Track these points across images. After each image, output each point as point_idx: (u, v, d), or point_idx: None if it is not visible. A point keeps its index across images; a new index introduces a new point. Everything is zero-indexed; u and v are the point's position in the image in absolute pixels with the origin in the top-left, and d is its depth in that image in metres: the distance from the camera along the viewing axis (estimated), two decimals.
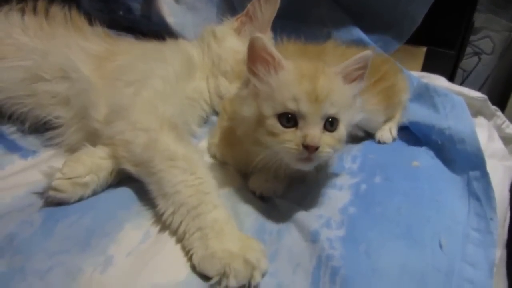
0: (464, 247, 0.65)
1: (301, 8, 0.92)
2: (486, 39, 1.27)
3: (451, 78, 1.12)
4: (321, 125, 0.61)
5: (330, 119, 0.61)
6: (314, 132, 0.59)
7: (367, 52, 0.64)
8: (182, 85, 0.85)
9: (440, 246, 0.64)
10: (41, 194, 0.66)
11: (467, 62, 1.32)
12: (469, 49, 1.30)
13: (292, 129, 0.60)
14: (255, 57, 0.62)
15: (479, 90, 1.32)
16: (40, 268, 0.54)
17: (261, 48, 0.61)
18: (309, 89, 0.59)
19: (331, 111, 0.60)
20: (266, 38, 0.64)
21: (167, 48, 0.92)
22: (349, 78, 0.65)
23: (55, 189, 0.63)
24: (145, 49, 0.92)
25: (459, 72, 1.33)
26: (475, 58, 1.31)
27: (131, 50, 0.89)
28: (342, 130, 0.63)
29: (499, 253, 0.71)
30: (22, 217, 0.61)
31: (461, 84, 1.30)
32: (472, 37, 1.27)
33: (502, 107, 1.23)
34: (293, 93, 0.59)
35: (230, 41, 0.96)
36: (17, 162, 0.77)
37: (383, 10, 1.06)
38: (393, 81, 0.86)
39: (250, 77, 0.64)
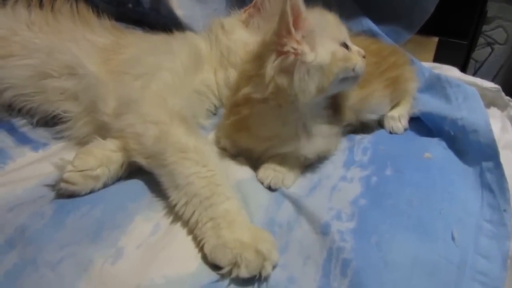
0: (477, 239, 0.65)
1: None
2: (499, 29, 1.25)
3: (463, 69, 1.10)
4: None
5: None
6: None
7: None
8: (190, 77, 0.85)
9: (453, 238, 0.63)
10: (52, 186, 0.67)
11: (480, 53, 1.30)
12: (481, 40, 1.28)
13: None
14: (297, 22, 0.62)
15: (492, 80, 1.29)
16: (52, 259, 0.54)
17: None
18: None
19: None
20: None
21: (175, 40, 0.92)
22: None
23: (66, 181, 0.63)
24: (152, 41, 0.92)
25: (472, 62, 1.31)
26: (488, 49, 1.29)
27: (138, 43, 0.90)
28: None
29: None
30: (33, 209, 0.61)
31: (474, 74, 1.28)
32: (484, 27, 1.25)
33: None
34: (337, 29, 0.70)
35: (239, 33, 0.96)
36: (28, 154, 0.77)
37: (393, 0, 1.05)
38: (400, 71, 0.86)
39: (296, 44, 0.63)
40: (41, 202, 0.63)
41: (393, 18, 1.06)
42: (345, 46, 0.69)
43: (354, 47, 0.71)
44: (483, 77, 1.04)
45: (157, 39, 0.93)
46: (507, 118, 0.93)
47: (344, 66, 0.67)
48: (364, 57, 0.71)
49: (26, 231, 0.58)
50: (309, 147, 0.73)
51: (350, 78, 0.69)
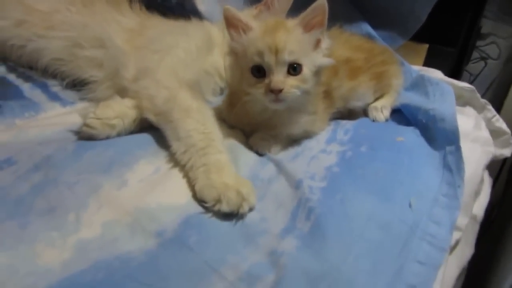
0: (432, 209, 0.73)
1: None
2: (492, 45, 1.34)
3: (456, 79, 1.19)
4: (284, 71, 0.73)
5: (293, 65, 0.73)
6: (276, 78, 0.72)
7: (320, 1, 0.73)
8: (201, 58, 0.97)
9: (410, 206, 0.72)
10: (76, 132, 0.80)
11: (474, 66, 1.40)
12: (476, 54, 1.37)
13: (262, 78, 0.73)
14: (229, 24, 0.76)
15: (485, 93, 1.39)
16: (69, 180, 0.67)
17: (231, 16, 0.75)
18: (269, 42, 0.71)
19: (290, 58, 0.72)
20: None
21: (192, 25, 1.05)
22: (308, 26, 0.75)
23: (87, 125, 0.77)
24: (172, 25, 1.06)
25: (466, 75, 1.41)
26: (482, 63, 1.38)
27: (160, 25, 1.04)
28: (306, 72, 0.74)
29: (466, 220, 0.79)
30: (58, 145, 0.74)
31: None
32: (479, 42, 1.35)
33: None
34: (257, 49, 0.72)
35: None
36: (57, 108, 0.92)
37: (390, 7, 1.16)
38: (386, 68, 0.97)
39: (230, 41, 0.77)
40: (65, 141, 0.76)
41: (390, 24, 1.17)
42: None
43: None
44: (476, 89, 1.12)
45: (177, 24, 1.07)
46: (483, 119, 1.03)
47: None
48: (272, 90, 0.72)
49: (50, 159, 0.70)
50: (292, 129, 0.83)
51: None
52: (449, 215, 0.73)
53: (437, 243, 0.68)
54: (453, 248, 0.77)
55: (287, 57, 0.72)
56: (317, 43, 0.77)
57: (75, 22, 1.02)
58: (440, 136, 0.85)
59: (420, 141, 0.88)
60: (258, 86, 0.74)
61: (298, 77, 0.74)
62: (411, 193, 0.74)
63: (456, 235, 0.76)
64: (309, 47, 0.76)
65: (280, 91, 0.71)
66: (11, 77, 1.01)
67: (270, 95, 0.72)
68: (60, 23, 1.03)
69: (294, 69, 0.73)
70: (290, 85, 0.73)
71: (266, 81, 0.73)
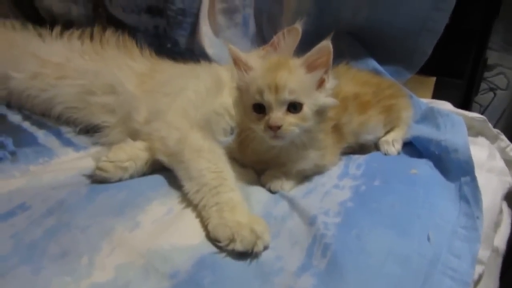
0: (451, 242, 0.71)
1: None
2: (500, 76, 1.35)
3: (463, 107, 1.19)
4: (283, 109, 0.74)
5: (293, 104, 0.74)
6: (275, 115, 0.73)
7: (324, 43, 0.74)
8: (211, 99, 0.99)
9: (428, 239, 0.70)
10: (89, 176, 0.81)
11: (483, 97, 1.39)
12: (484, 85, 1.37)
13: (263, 115, 0.75)
14: (234, 62, 0.78)
15: (496, 123, 1.38)
16: (82, 224, 0.67)
17: (234, 56, 0.78)
18: (269, 81, 0.73)
19: (290, 97, 0.73)
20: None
21: (201, 68, 1.08)
22: (312, 67, 0.76)
23: (100, 169, 0.78)
24: (182, 68, 1.08)
25: (476, 106, 1.41)
26: (491, 94, 1.38)
27: (170, 69, 1.07)
28: (306, 111, 0.75)
29: (488, 253, 0.77)
30: (71, 189, 0.75)
31: None
32: (486, 74, 1.35)
33: None
34: (258, 86, 0.74)
35: None
36: (70, 154, 0.94)
37: (396, 43, 1.17)
38: (395, 101, 0.97)
39: (237, 79, 0.79)
40: (78, 185, 0.77)
41: (396, 59, 1.19)
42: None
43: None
44: (488, 120, 1.11)
45: (186, 67, 1.10)
46: (497, 149, 1.01)
47: None
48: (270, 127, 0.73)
49: (64, 204, 0.71)
50: (301, 165, 0.83)
51: None
52: (470, 247, 0.71)
53: (459, 277, 0.66)
54: (476, 283, 0.74)
55: (287, 96, 0.73)
56: (321, 83, 0.77)
57: (87, 70, 1.06)
58: (454, 167, 0.84)
59: (434, 173, 0.87)
60: (259, 123, 0.75)
61: (298, 115, 0.75)
62: (428, 226, 0.73)
63: (478, 268, 0.73)
64: (312, 87, 0.76)
65: (279, 127, 0.73)
66: (26, 124, 1.04)
67: (269, 131, 0.73)
68: (72, 72, 1.07)
69: (294, 107, 0.74)
70: (289, 122, 0.73)
71: (266, 117, 0.74)
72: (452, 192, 0.82)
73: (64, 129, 1.03)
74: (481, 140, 1.02)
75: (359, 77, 0.99)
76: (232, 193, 0.73)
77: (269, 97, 0.73)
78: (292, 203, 0.78)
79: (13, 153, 0.90)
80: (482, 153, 0.95)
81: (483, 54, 1.27)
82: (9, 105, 1.15)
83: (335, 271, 0.62)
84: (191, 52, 1.45)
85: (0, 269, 0.58)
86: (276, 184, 0.82)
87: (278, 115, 0.73)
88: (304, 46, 1.02)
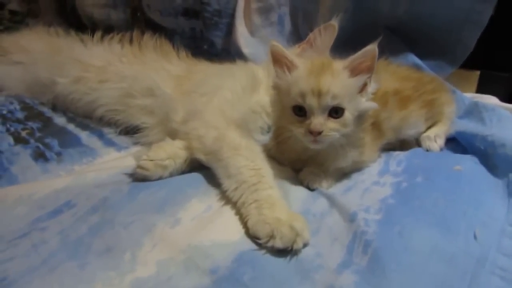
0: (500, 240, 0.68)
1: (361, 37, 1.04)
2: None
3: (509, 102, 1.14)
4: (325, 114, 0.72)
5: (335, 109, 0.72)
6: (316, 120, 0.72)
7: (370, 46, 0.72)
8: (247, 97, 0.99)
9: (475, 237, 0.68)
10: (130, 174, 0.83)
11: None
12: None
13: (303, 118, 0.73)
14: (275, 60, 0.76)
15: None
16: (125, 221, 0.68)
17: (277, 52, 0.76)
18: (313, 85, 0.71)
19: (333, 102, 0.72)
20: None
21: (237, 67, 1.08)
22: (356, 71, 0.74)
23: (141, 167, 0.79)
24: (217, 68, 1.10)
25: None
26: None
27: (206, 69, 1.08)
28: (347, 116, 0.74)
29: None
30: (114, 187, 0.77)
31: None
32: None
33: None
34: (300, 89, 0.72)
35: None
36: (112, 153, 0.96)
37: (437, 37, 1.14)
38: (436, 96, 0.94)
39: (275, 77, 0.77)
40: (120, 183, 0.79)
41: (437, 54, 1.16)
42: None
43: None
44: None
45: (222, 66, 1.10)
46: None
47: None
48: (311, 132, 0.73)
49: (107, 201, 0.73)
50: (340, 163, 0.82)
51: None
52: None
53: (510, 277, 0.63)
54: None
55: (330, 101, 0.72)
56: (363, 88, 0.76)
57: (126, 74, 1.09)
58: (501, 163, 0.80)
59: (480, 169, 0.84)
60: (298, 125, 0.74)
61: (339, 120, 0.73)
62: (475, 224, 0.70)
63: None
64: (354, 91, 0.75)
65: (320, 133, 0.72)
66: (71, 126, 1.08)
67: (309, 135, 0.73)
68: (113, 75, 1.10)
69: (336, 112, 0.73)
70: (329, 128, 0.73)
71: (307, 122, 0.73)
72: (499, 188, 0.79)
73: (106, 130, 1.06)
74: None
75: (399, 72, 0.97)
76: (271, 190, 0.72)
77: (311, 102, 0.72)
78: (331, 200, 0.77)
79: (58, 154, 0.94)
80: None
81: None
82: (54, 108, 1.20)
83: (377, 269, 0.61)
84: (227, 53, 1.47)
85: (49, 265, 0.60)
86: (314, 181, 0.81)
87: (319, 121, 0.72)
88: (341, 42, 1.01)
